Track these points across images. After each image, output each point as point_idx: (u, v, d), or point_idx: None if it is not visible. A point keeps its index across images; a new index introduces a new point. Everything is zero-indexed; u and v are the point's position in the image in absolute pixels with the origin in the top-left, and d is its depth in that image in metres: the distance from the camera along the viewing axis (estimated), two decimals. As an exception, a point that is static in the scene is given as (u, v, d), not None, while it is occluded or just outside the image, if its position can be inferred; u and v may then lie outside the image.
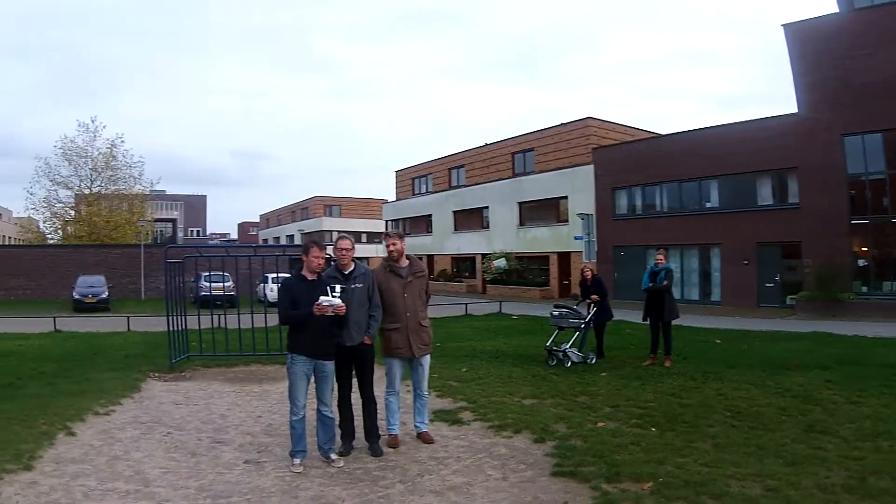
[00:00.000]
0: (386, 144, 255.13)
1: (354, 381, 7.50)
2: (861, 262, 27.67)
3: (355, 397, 7.49)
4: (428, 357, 7.89)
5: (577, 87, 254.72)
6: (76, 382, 11.47)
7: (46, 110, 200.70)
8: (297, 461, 6.81)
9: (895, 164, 26.35)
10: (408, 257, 7.84)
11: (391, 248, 7.70)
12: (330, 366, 7.01)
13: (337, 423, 7.27)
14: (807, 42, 28.78)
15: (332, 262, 7.70)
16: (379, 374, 7.75)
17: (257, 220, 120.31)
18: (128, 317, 23.75)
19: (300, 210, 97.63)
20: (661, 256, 13.99)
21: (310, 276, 7.02)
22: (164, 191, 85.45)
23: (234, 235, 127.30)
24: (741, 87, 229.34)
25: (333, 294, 6.76)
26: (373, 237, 78.15)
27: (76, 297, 34.40)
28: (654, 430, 7.97)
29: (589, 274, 14.68)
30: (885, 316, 23.57)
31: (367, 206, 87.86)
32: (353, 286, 7.17)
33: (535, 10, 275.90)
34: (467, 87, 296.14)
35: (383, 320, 7.56)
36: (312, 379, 6.98)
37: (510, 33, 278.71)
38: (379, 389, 7.67)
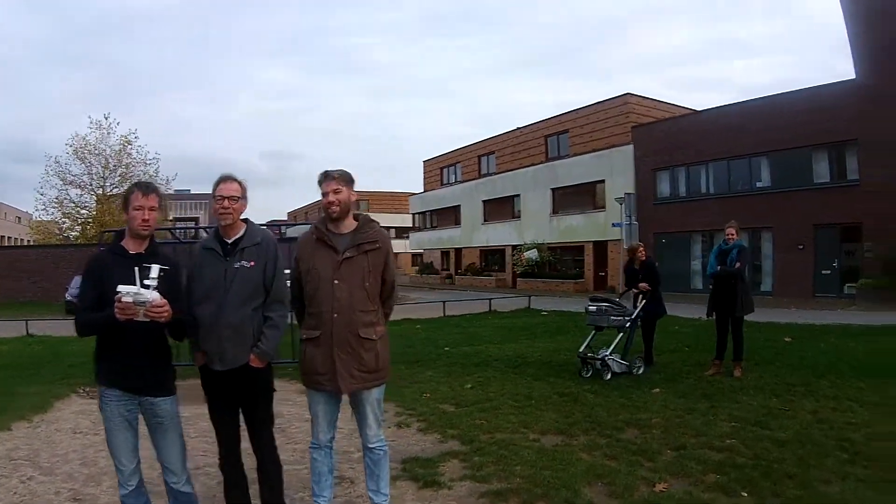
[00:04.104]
0: (420, 143, 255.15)
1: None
2: (937, 245, 24.69)
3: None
4: (376, 392, 4.80)
5: (610, 82, 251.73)
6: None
7: (79, 117, 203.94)
8: None
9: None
10: (356, 218, 4.84)
11: (330, 198, 4.69)
12: (166, 405, 4.24)
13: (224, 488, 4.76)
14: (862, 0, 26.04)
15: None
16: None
17: (286, 217, 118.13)
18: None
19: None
20: (731, 231, 10.93)
21: (132, 248, 4.17)
22: (188, 190, 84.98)
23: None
24: (784, 75, 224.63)
25: (145, 280, 3.81)
26: (402, 232, 75.80)
27: (68, 298, 31.56)
28: (745, 495, 5.26)
29: (642, 254, 11.94)
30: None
31: (396, 200, 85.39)
32: (235, 265, 4.44)
33: (564, 7, 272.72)
34: (501, 85, 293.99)
35: (303, 323, 4.80)
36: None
37: (541, 31, 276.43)
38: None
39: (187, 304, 4.34)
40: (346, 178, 4.79)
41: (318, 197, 4.80)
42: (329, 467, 4.88)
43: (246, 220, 4.65)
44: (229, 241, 4.53)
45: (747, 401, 8.59)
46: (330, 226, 4.76)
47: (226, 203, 4.46)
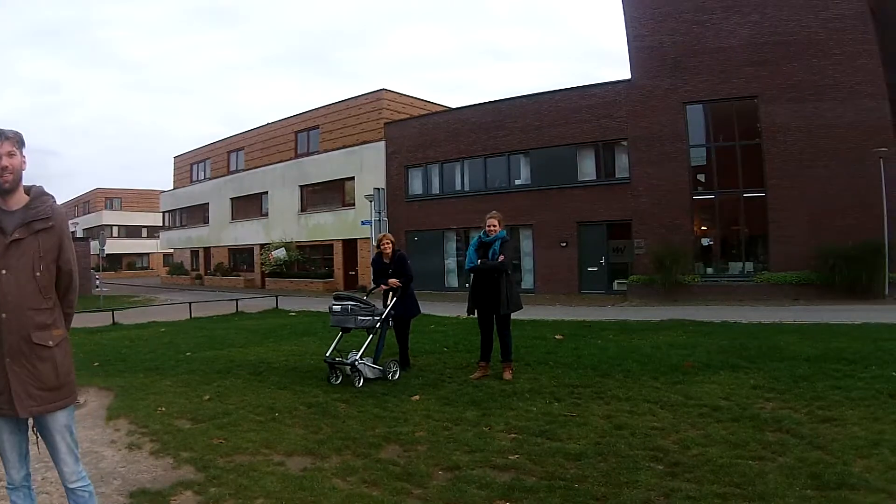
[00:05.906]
0: (176, 140, 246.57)
1: None
2: (706, 242, 26.01)
3: None
4: (63, 415, 3.77)
5: (368, 83, 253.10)
6: None
7: None
8: None
9: (747, 135, 24.57)
10: (28, 191, 3.79)
11: (4, 163, 3.63)
12: None
13: None
14: (645, 3, 26.76)
15: None
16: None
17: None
18: None
19: (82, 204, 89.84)
20: (493, 222, 9.68)
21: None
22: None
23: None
24: (535, 82, 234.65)
25: None
26: (153, 231, 73.94)
27: None
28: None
29: (388, 247, 10.48)
30: (734, 299, 22.25)
31: (149, 198, 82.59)
32: None
33: (322, 7, 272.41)
34: (259, 83, 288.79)
35: None
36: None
37: (299, 30, 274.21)
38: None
39: None
40: (21, 140, 3.84)
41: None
42: None
43: None
44: None
45: (524, 407, 7.51)
46: None
47: None
